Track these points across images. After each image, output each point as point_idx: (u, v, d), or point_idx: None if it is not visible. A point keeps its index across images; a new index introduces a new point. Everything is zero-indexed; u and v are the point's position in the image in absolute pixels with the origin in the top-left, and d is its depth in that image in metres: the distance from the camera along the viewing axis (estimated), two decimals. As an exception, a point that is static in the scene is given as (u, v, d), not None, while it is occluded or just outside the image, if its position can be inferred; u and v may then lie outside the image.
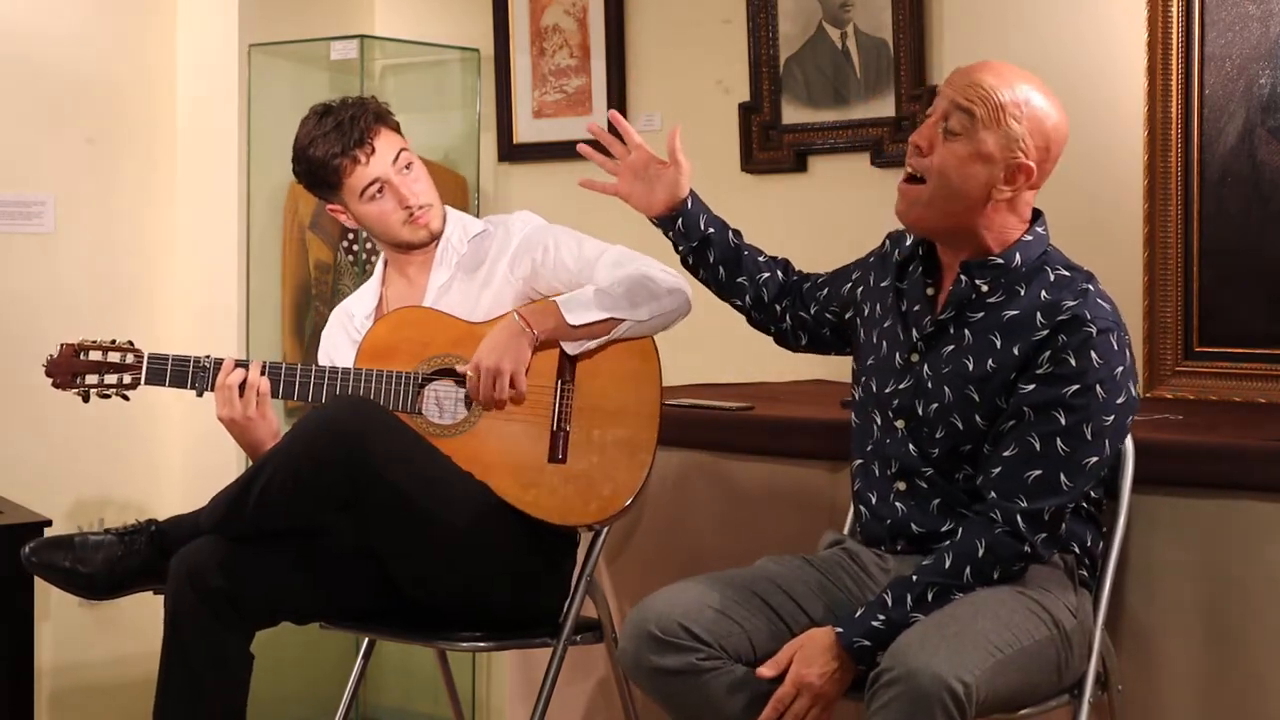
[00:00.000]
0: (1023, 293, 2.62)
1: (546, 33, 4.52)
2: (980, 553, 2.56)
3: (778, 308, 2.98)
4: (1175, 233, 3.48)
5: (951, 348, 2.66)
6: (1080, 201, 3.65)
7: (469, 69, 4.69)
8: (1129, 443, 2.74)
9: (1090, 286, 2.61)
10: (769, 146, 4.13)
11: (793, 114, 4.08)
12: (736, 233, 3.00)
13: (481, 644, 3.09)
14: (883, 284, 2.82)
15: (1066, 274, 2.64)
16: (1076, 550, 2.69)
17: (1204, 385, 3.45)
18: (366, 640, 3.41)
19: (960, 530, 2.59)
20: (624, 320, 3.09)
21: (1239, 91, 3.40)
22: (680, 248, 3.00)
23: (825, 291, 2.95)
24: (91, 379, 3.08)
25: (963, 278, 2.66)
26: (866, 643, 2.53)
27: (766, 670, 2.55)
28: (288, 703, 4.55)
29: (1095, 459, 2.58)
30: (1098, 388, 2.55)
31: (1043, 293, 2.61)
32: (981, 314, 2.64)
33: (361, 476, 2.90)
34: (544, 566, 3.10)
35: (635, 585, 3.48)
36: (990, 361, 2.61)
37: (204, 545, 2.98)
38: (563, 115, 4.51)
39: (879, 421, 2.75)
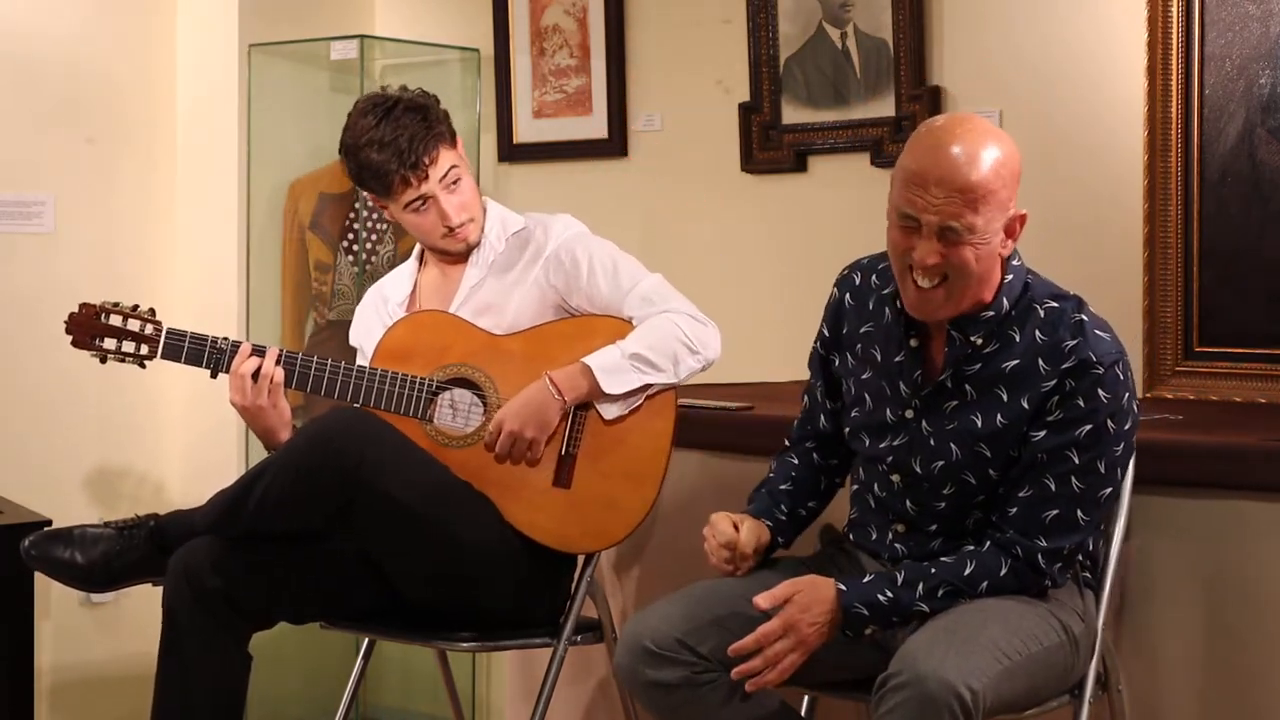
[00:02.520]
0: (1017, 337, 2.57)
1: (546, 33, 4.52)
2: (1002, 572, 2.55)
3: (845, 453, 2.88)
4: (1175, 233, 3.48)
5: (954, 404, 2.61)
6: (1081, 202, 3.66)
7: (469, 69, 4.69)
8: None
9: (1084, 317, 2.56)
10: (769, 146, 4.13)
11: (793, 114, 4.08)
12: (788, 481, 2.85)
13: (481, 644, 3.09)
14: (843, 330, 2.77)
15: (1055, 305, 2.58)
16: (1081, 556, 2.68)
17: (1204, 385, 3.45)
18: (366, 640, 3.40)
19: (987, 544, 2.57)
20: (660, 382, 3.07)
21: (1239, 91, 3.40)
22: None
23: (830, 398, 2.84)
24: (109, 343, 3.07)
25: (955, 336, 2.60)
26: (864, 612, 2.52)
27: (762, 601, 2.53)
28: (288, 703, 4.55)
29: (1109, 489, 2.57)
30: (1108, 422, 2.53)
31: (1037, 333, 2.56)
32: (979, 365, 2.59)
33: (356, 490, 2.90)
34: (543, 568, 3.10)
35: (635, 585, 3.48)
36: (999, 417, 2.57)
37: (201, 545, 2.98)
38: (563, 115, 4.51)
39: (874, 471, 2.72)
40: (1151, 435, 2.85)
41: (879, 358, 2.69)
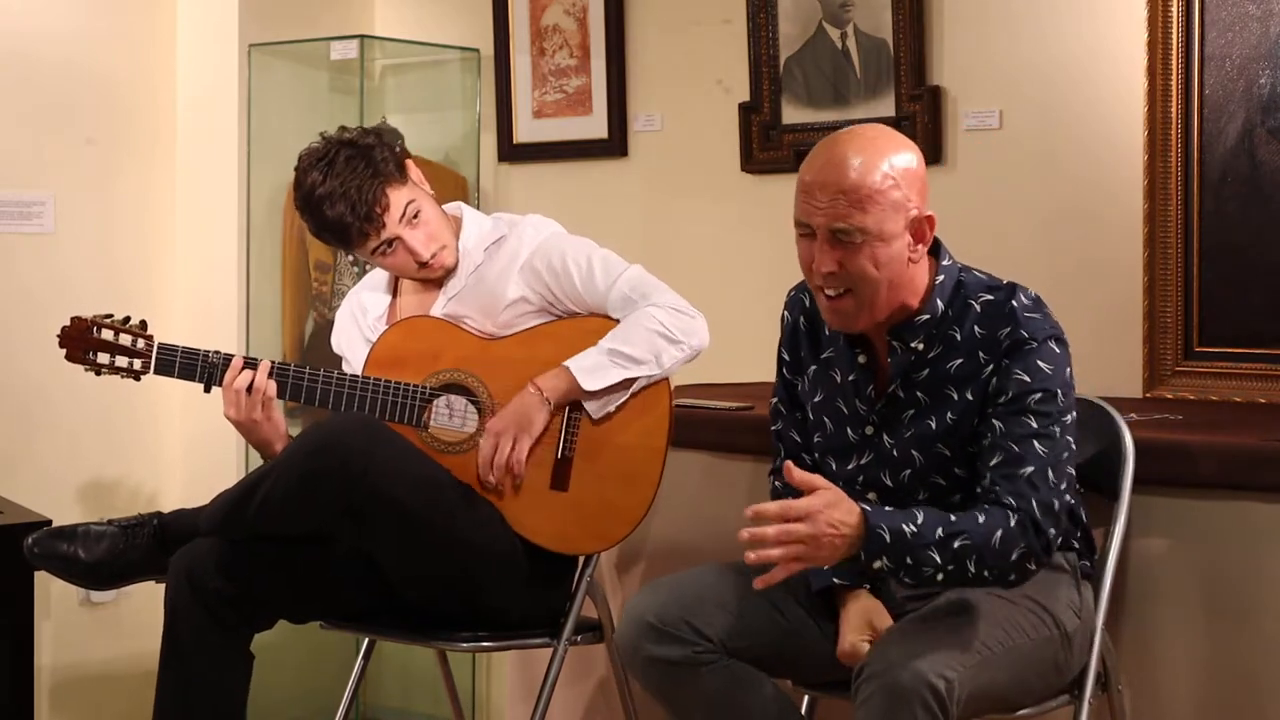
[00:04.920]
0: (958, 337, 2.58)
1: (546, 33, 4.52)
2: (1011, 524, 2.47)
3: None
4: (1175, 233, 3.48)
5: (910, 412, 2.61)
6: (1081, 201, 3.66)
7: (469, 69, 4.69)
8: (1129, 443, 2.74)
9: (1014, 302, 2.56)
10: (769, 146, 4.13)
11: (793, 114, 4.08)
12: None
13: (481, 644, 3.09)
14: (801, 354, 2.77)
15: (990, 297, 2.58)
16: (1077, 546, 2.69)
17: (1204, 385, 3.45)
18: (366, 640, 3.41)
19: (993, 502, 2.51)
20: (642, 376, 3.06)
21: (1239, 91, 3.40)
22: None
23: (803, 421, 2.81)
24: (103, 357, 3.07)
25: (895, 345, 2.60)
26: (885, 536, 2.41)
27: (798, 474, 2.44)
28: (288, 703, 4.54)
29: (1067, 454, 2.55)
30: (1057, 391, 2.52)
31: (975, 328, 2.56)
32: (926, 370, 2.60)
33: (361, 495, 2.90)
34: (544, 569, 3.10)
35: (636, 585, 3.48)
36: (949, 414, 2.57)
37: (202, 546, 2.99)
38: (563, 115, 4.51)
39: (848, 493, 2.65)
40: (1151, 435, 2.86)
41: (837, 379, 2.69)
